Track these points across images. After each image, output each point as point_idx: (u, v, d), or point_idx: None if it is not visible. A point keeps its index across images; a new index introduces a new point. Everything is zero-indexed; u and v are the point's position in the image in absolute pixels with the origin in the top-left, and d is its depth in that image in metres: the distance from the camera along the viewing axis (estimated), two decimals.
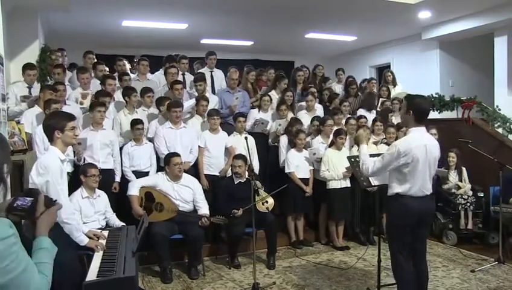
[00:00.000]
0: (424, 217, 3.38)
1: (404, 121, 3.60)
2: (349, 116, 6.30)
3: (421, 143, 3.27)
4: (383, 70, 8.24)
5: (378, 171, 3.41)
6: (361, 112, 6.68)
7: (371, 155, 3.60)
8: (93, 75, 6.17)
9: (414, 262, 3.41)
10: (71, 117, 3.11)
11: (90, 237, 3.34)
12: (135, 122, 5.08)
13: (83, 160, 4.64)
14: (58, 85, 5.24)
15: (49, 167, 2.96)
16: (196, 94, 6.07)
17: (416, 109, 3.31)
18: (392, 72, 7.84)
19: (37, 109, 4.96)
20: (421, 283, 3.41)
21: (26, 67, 5.38)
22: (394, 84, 7.71)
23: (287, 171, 5.53)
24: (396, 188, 3.31)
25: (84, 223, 3.85)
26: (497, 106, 7.29)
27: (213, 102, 5.98)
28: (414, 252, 3.40)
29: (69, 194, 3.71)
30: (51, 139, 3.04)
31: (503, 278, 4.50)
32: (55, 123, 3.02)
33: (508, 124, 6.94)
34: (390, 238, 3.51)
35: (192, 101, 5.77)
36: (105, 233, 3.62)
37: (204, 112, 5.62)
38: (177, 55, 7.07)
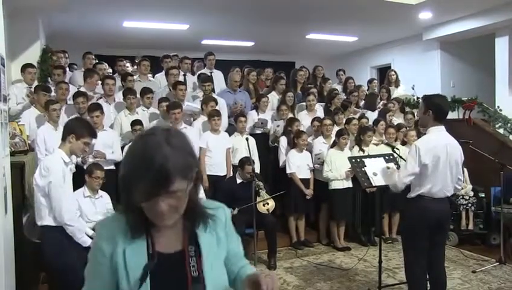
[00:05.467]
0: (442, 221, 3.26)
1: (422, 122, 3.48)
2: (350, 116, 6.29)
3: (441, 142, 3.17)
4: (384, 71, 8.23)
5: (405, 177, 3.21)
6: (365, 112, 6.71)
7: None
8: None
9: (431, 268, 3.28)
10: (93, 133, 3.12)
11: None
12: (134, 123, 5.12)
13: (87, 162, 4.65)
14: (61, 84, 5.29)
15: (52, 169, 3.00)
16: (198, 95, 6.06)
17: (436, 107, 3.23)
18: (395, 72, 7.82)
19: (35, 111, 4.99)
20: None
21: (27, 65, 5.41)
22: (397, 84, 7.70)
23: (288, 171, 5.52)
24: (417, 190, 3.19)
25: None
26: (498, 107, 7.30)
27: (220, 104, 5.91)
28: (431, 258, 3.26)
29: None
30: (63, 139, 3.08)
31: (505, 279, 4.50)
32: (76, 127, 3.06)
33: (509, 124, 6.94)
34: (406, 243, 3.37)
35: (195, 105, 5.76)
36: None
37: None
38: (176, 55, 7.07)
